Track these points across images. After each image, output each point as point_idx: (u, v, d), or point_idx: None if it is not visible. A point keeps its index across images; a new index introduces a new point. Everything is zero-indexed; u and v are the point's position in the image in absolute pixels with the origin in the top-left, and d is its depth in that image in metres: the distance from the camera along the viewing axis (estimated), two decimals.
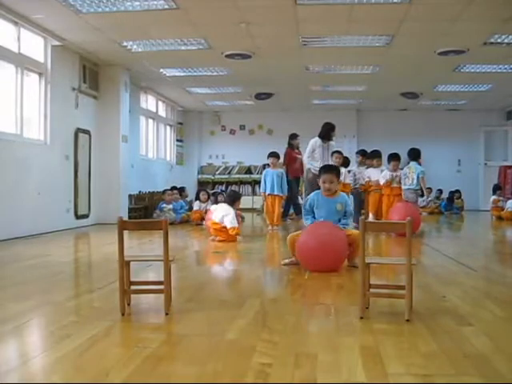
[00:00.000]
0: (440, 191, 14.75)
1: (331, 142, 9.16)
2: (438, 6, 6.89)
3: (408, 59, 9.67)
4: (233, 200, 7.66)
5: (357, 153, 10.12)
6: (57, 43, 8.45)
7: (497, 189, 12.70)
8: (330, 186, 4.99)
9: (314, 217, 5.07)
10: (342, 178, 8.73)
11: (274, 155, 9.15)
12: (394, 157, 8.60)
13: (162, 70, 10.72)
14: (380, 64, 10.06)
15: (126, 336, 2.83)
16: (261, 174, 10.63)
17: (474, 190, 15.14)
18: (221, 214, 7.27)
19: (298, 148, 11.14)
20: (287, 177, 9.52)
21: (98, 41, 8.55)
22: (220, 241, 7.09)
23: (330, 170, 5.17)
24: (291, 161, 10.95)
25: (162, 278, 3.14)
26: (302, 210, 5.27)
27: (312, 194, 5.25)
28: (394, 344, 2.53)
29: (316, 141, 9.07)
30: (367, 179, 9.15)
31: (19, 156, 7.69)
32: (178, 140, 15.50)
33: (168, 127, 14.95)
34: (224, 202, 7.84)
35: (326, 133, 9.09)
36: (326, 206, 5.01)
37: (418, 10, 6.98)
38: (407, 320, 2.89)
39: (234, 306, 3.34)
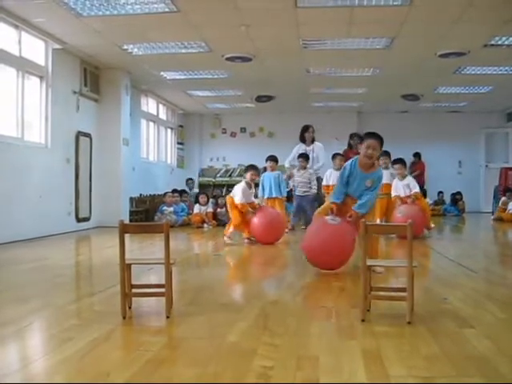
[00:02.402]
0: (441, 193, 14.74)
1: (316, 144, 9.15)
2: (438, 8, 6.89)
3: (408, 61, 9.67)
4: (244, 171, 7.75)
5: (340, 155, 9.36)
6: (58, 46, 8.45)
7: (507, 191, 12.73)
8: (373, 153, 4.73)
9: (338, 196, 4.86)
10: None
11: (272, 159, 9.13)
12: (399, 162, 8.32)
13: (162, 73, 10.73)
14: (380, 66, 10.07)
15: (128, 339, 2.83)
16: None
17: (475, 191, 15.13)
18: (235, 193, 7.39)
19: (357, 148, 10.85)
20: None
21: (99, 44, 8.56)
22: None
23: (375, 135, 4.85)
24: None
25: (163, 281, 3.14)
26: (336, 186, 4.97)
27: (350, 160, 4.98)
28: (395, 346, 2.53)
29: (299, 146, 9.20)
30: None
31: (20, 159, 7.70)
32: (178, 143, 15.51)
33: (169, 130, 14.95)
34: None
35: (301, 136, 9.18)
36: (358, 180, 4.83)
37: (419, 12, 6.98)
38: (408, 322, 2.89)
39: (235, 309, 3.34)
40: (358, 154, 9.47)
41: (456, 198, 14.63)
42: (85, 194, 9.67)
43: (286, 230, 8.21)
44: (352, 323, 2.95)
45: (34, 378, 2.19)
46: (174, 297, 3.27)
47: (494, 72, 10.40)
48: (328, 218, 4.73)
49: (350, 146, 11.01)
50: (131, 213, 10.80)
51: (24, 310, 3.32)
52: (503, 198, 12.48)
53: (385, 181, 8.18)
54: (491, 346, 2.52)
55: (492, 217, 12.42)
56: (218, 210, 10.81)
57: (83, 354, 2.45)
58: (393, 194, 8.27)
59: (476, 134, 15.30)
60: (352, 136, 11.06)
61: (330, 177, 8.67)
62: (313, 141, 9.33)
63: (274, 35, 8.13)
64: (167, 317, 3.08)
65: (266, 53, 9.12)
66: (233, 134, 16.10)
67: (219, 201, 11.08)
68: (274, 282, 4.76)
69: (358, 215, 4.59)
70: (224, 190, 15.37)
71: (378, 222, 8.35)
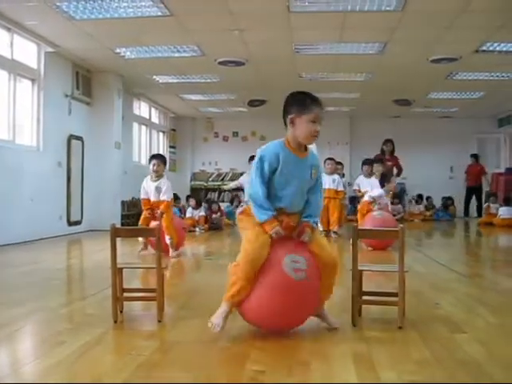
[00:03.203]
0: (430, 198, 14.75)
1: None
2: (430, 13, 6.93)
3: (401, 67, 9.71)
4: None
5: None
6: (50, 50, 8.44)
7: (490, 195, 12.88)
8: (318, 130, 2.88)
9: (269, 205, 2.77)
10: (334, 184, 8.76)
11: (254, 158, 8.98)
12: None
13: (155, 77, 10.72)
14: (373, 71, 10.10)
15: (119, 343, 2.82)
16: None
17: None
18: None
19: (391, 154, 10.63)
20: None
21: (91, 47, 8.54)
22: None
23: (318, 102, 2.98)
24: None
25: (154, 286, 3.14)
26: (249, 188, 2.89)
27: (271, 144, 3.01)
28: (386, 351, 2.53)
29: None
30: (356, 188, 8.85)
31: (12, 162, 7.66)
32: (170, 146, 15.49)
33: (161, 134, 14.94)
34: None
35: None
36: (297, 171, 2.83)
37: (411, 17, 7.02)
38: (400, 327, 2.90)
39: None
40: (389, 160, 8.65)
41: (447, 203, 14.70)
42: (76, 198, 9.64)
43: None
44: (343, 328, 2.95)
45: (26, 381, 2.18)
46: (165, 301, 3.26)
47: (486, 78, 10.47)
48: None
49: (382, 151, 10.85)
50: (123, 216, 10.77)
51: (16, 314, 3.30)
52: (486, 204, 12.60)
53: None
54: (483, 351, 2.53)
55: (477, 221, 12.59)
56: (213, 215, 10.82)
57: (75, 357, 2.44)
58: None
59: (468, 140, 15.37)
60: (385, 142, 10.90)
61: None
62: None
63: (267, 40, 8.15)
64: (159, 321, 3.07)
65: (258, 57, 9.14)
66: (225, 138, 16.10)
67: (212, 206, 11.10)
68: None
69: (313, 227, 2.87)
70: (216, 194, 15.38)
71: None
